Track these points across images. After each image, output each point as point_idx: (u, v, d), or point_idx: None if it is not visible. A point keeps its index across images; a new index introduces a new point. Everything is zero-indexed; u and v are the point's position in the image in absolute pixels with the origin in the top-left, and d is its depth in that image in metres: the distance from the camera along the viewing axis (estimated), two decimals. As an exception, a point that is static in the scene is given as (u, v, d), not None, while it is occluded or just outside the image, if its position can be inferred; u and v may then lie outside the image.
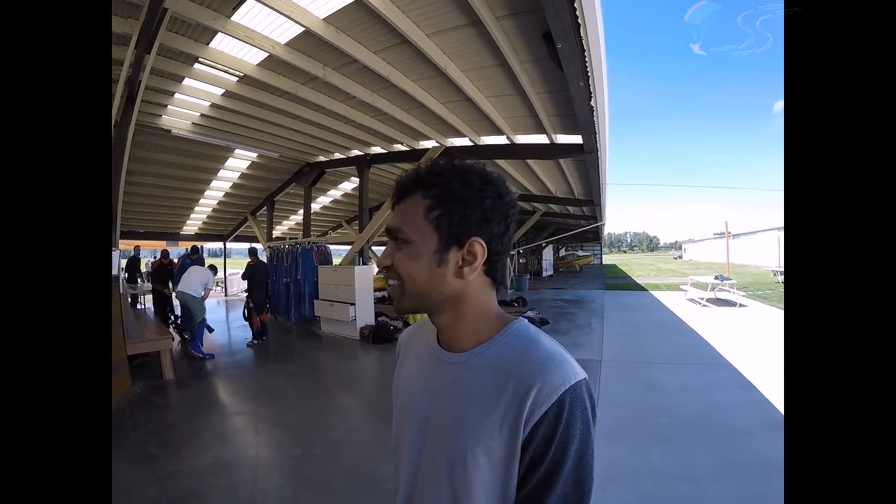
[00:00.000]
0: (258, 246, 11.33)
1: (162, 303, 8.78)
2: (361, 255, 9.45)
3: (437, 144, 8.23)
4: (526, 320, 0.80)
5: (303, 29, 4.40)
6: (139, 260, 8.69)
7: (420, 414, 0.81)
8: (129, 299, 10.20)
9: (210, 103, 6.67)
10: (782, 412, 4.25)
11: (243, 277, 8.77)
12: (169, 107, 6.78)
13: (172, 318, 8.50)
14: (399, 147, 8.88)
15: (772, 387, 5.05)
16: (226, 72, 5.64)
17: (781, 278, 19.59)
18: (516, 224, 0.80)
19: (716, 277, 14.47)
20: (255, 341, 8.14)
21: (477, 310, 0.78)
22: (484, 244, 0.74)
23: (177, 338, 7.60)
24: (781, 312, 11.29)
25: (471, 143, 7.98)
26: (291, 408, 4.83)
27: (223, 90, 6.20)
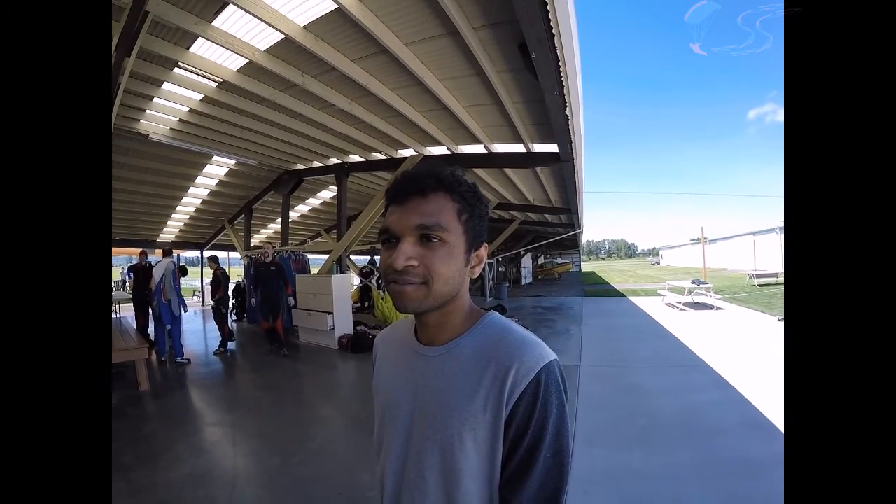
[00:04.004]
0: (220, 254, 11.31)
1: (144, 310, 8.45)
2: (339, 264, 9.38)
3: (414, 153, 8.25)
4: (496, 312, 0.86)
5: (282, 36, 4.39)
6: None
7: (404, 408, 0.84)
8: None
9: (189, 108, 6.59)
10: (761, 411, 4.37)
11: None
12: (147, 111, 6.66)
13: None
14: (377, 155, 8.88)
15: (749, 386, 5.17)
16: (205, 77, 5.59)
17: (757, 281, 20.07)
18: None
19: (692, 282, 14.75)
20: (222, 349, 8.18)
21: (463, 306, 0.84)
22: (488, 247, 0.85)
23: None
24: (757, 314, 11.56)
25: (448, 152, 8.02)
26: (269, 418, 4.78)
27: (202, 95, 6.13)
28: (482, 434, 0.73)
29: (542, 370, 0.72)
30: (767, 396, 4.75)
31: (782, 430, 3.86)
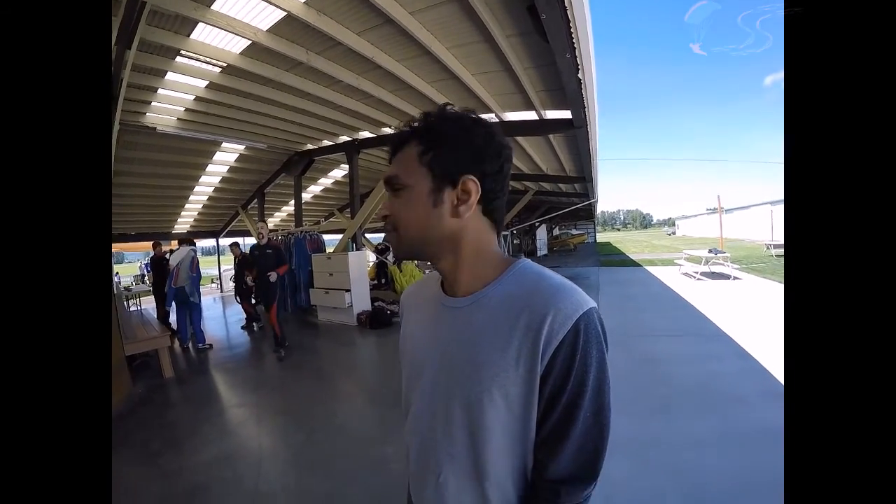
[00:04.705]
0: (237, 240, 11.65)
1: (163, 300, 8.61)
2: (354, 242, 9.39)
3: (426, 126, 8.15)
4: (529, 260, 0.80)
5: (284, 13, 4.30)
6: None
7: (430, 364, 0.80)
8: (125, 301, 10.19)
9: (194, 97, 6.56)
10: (780, 381, 4.30)
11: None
12: (153, 103, 6.65)
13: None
14: (388, 130, 8.78)
15: (769, 356, 5.08)
16: (208, 63, 5.53)
17: (775, 251, 19.69)
18: (510, 167, 0.80)
19: (709, 251, 14.55)
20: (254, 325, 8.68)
21: (477, 250, 0.78)
22: (477, 181, 0.74)
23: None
24: (775, 284, 11.39)
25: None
26: (292, 397, 4.83)
27: (207, 82, 6.08)
28: (514, 390, 0.68)
29: (581, 318, 0.66)
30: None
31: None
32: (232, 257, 9.64)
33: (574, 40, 4.07)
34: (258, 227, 6.94)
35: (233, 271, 10.33)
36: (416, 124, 0.77)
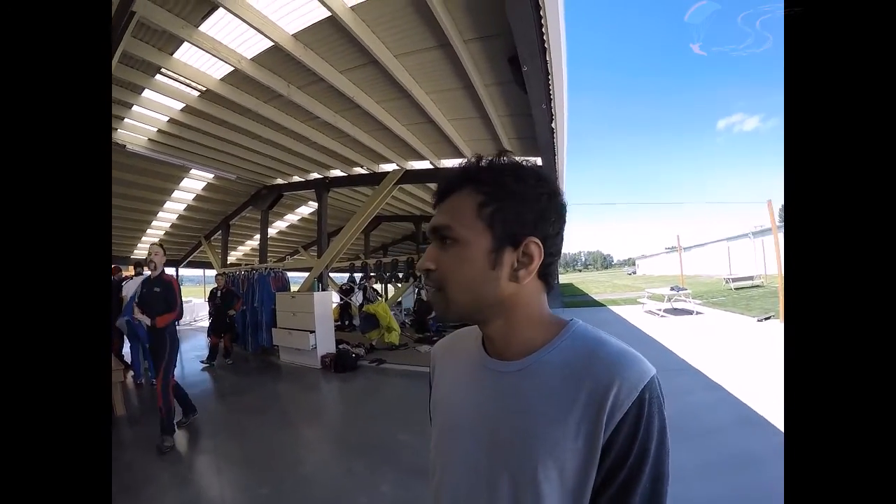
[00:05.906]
0: (196, 272, 11.26)
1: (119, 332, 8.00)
2: (320, 281, 9.18)
3: (396, 168, 8.23)
4: (580, 321, 0.75)
5: (271, 44, 4.28)
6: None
7: (469, 431, 0.73)
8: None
9: (168, 118, 6.34)
10: (752, 408, 4.46)
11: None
12: (126, 120, 6.36)
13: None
14: (359, 170, 8.82)
15: (738, 385, 5.28)
16: (188, 84, 5.40)
17: (733, 285, 20.60)
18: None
19: (672, 288, 15.03)
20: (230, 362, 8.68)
21: (530, 316, 0.72)
22: (540, 244, 0.68)
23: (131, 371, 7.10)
24: (737, 316, 11.82)
25: (431, 167, 8.00)
26: (254, 443, 4.56)
27: (183, 104, 5.90)
28: (571, 465, 0.63)
29: (646, 388, 0.64)
30: (757, 393, 4.85)
31: (776, 425, 4.00)
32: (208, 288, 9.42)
33: (551, 92, 4.23)
34: (150, 252, 4.63)
35: (209, 303, 9.89)
36: (472, 168, 0.71)
